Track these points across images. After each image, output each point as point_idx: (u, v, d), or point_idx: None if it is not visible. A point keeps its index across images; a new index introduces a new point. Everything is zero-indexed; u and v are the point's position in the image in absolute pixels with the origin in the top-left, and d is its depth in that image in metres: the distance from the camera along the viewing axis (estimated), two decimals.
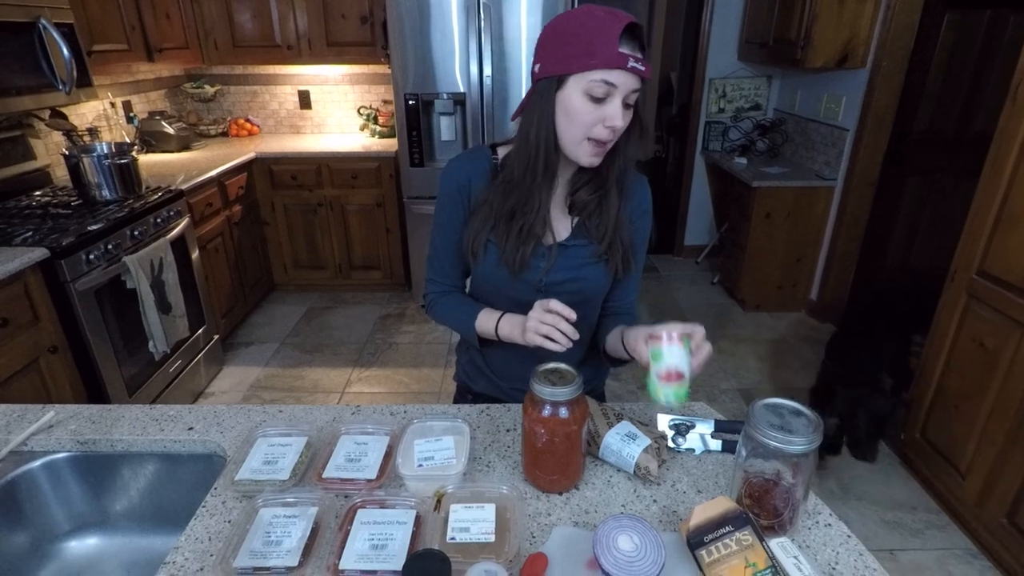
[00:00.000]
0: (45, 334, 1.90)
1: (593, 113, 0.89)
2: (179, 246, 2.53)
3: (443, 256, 1.11)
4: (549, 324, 0.91)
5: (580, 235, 1.04)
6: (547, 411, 0.83)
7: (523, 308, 1.10)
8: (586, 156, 0.94)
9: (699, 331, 0.86)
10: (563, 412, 0.83)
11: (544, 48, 0.92)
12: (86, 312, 2.01)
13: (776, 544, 0.75)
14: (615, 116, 0.89)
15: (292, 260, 3.63)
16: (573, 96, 0.90)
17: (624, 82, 0.87)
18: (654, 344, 0.85)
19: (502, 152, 1.06)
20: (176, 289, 2.45)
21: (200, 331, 2.73)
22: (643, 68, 0.87)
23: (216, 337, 2.90)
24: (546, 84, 0.92)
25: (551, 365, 0.86)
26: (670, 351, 0.84)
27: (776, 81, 3.83)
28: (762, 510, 0.81)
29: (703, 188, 4.18)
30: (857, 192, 3.12)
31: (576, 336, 0.91)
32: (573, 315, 0.91)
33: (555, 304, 0.92)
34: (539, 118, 0.94)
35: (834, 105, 3.21)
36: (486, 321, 1.04)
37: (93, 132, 2.88)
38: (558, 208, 1.06)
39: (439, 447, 0.90)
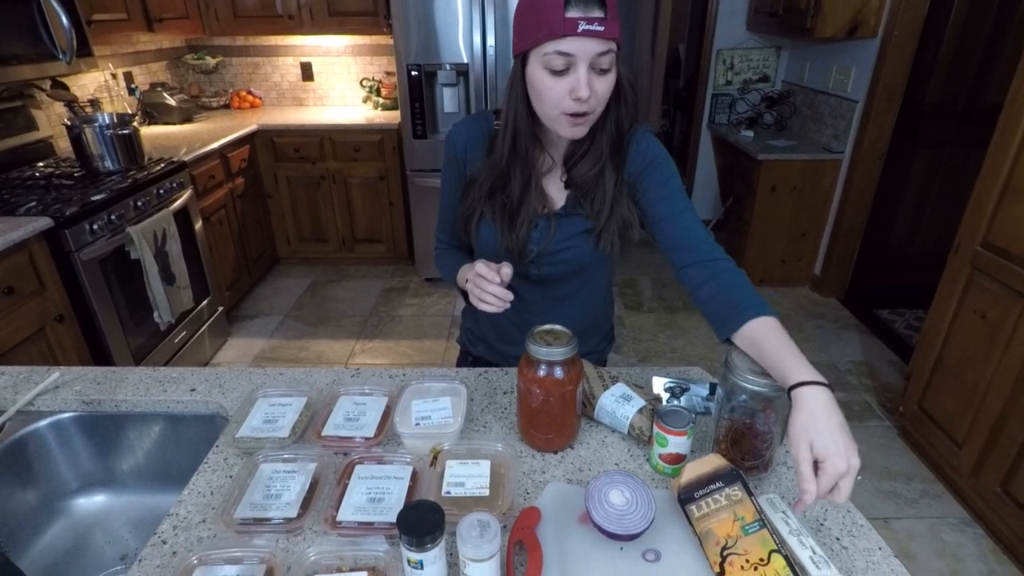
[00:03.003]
0: (51, 303, 1.92)
1: (557, 87, 0.85)
2: (182, 217, 2.53)
3: (447, 216, 1.13)
4: (479, 287, 0.92)
5: (575, 207, 1.02)
6: (542, 371, 0.84)
7: (515, 276, 1.10)
8: (566, 129, 0.91)
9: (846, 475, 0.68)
10: (558, 372, 0.84)
11: (515, 24, 0.90)
12: (91, 282, 2.03)
13: (765, 500, 0.76)
14: (579, 87, 0.83)
15: (296, 233, 3.64)
16: (535, 72, 0.87)
17: (582, 48, 0.82)
18: (661, 431, 0.83)
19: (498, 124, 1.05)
20: (180, 260, 2.46)
21: (204, 303, 2.75)
22: (600, 28, 0.80)
23: (221, 309, 2.92)
24: (516, 63, 0.91)
25: (547, 327, 0.87)
26: (677, 441, 0.83)
27: (785, 52, 3.76)
28: (741, 453, 0.83)
29: (709, 162, 4.14)
30: (865, 165, 3.08)
31: (508, 298, 0.91)
32: (496, 278, 0.91)
33: (480, 266, 0.92)
34: (512, 98, 0.93)
35: (843, 76, 3.16)
36: (460, 275, 1.07)
37: (95, 103, 2.87)
38: (553, 179, 1.04)
39: (436, 407, 0.92)
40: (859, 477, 0.68)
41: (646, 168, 1.01)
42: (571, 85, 0.85)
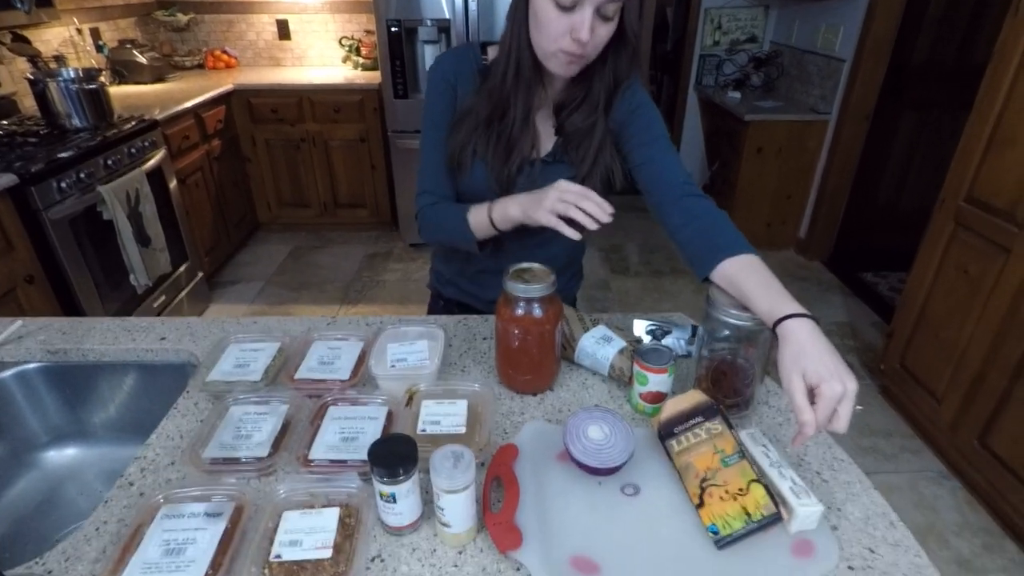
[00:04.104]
0: (19, 263, 1.86)
1: (560, 22, 0.82)
2: (156, 178, 2.46)
3: (435, 160, 1.03)
4: (570, 202, 0.82)
5: (561, 154, 1.01)
6: (520, 310, 0.82)
7: None
8: (559, 67, 0.88)
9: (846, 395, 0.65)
10: (536, 311, 0.82)
11: None
12: (62, 242, 1.96)
13: (746, 434, 0.75)
14: (581, 27, 0.81)
15: (276, 198, 3.56)
16: (540, 2, 0.84)
17: None
18: (641, 369, 0.81)
19: (492, 53, 1.01)
20: (155, 222, 2.40)
21: (183, 268, 2.69)
22: None
23: (201, 275, 2.86)
24: None
25: (524, 264, 0.85)
26: (657, 379, 0.82)
27: (773, 11, 3.70)
28: (723, 392, 0.82)
29: (695, 125, 4.10)
30: (851, 126, 3.06)
31: (610, 211, 0.82)
32: (601, 202, 0.82)
33: (564, 183, 0.85)
34: (514, 24, 0.90)
35: (831, 35, 3.11)
36: (478, 212, 0.96)
37: (60, 60, 2.75)
38: (544, 123, 1.02)
39: (413, 349, 0.89)
40: (858, 407, 0.66)
41: (631, 115, 0.99)
42: (574, 24, 0.82)
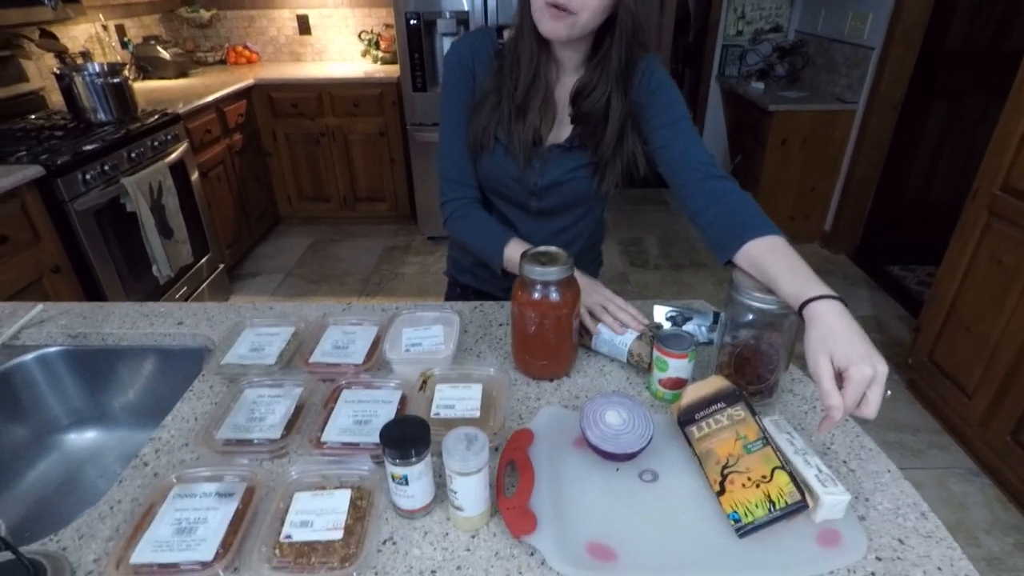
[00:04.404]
0: (47, 254, 1.89)
1: None
2: (179, 171, 2.49)
3: (456, 146, 1.02)
4: (612, 312, 0.91)
5: (579, 142, 0.99)
6: (537, 294, 0.80)
7: (517, 209, 1.06)
8: (547, 23, 0.85)
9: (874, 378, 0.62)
10: (553, 295, 0.80)
11: None
12: (87, 233, 2.00)
13: (769, 421, 0.73)
14: None
15: (296, 192, 3.59)
16: None
17: None
18: (661, 354, 0.80)
19: (508, 36, 0.99)
20: (177, 214, 2.43)
21: (204, 259, 2.72)
22: None
23: (222, 266, 2.89)
24: None
25: (542, 248, 0.83)
26: (678, 365, 0.80)
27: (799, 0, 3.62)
28: (746, 379, 0.79)
29: (718, 118, 4.03)
30: (879, 116, 2.98)
31: (643, 322, 0.90)
32: (636, 314, 0.91)
33: (607, 292, 0.93)
34: None
35: (859, 23, 3.03)
36: (515, 250, 0.96)
37: (86, 55, 2.80)
38: (561, 111, 1.00)
39: (428, 334, 0.88)
40: (888, 393, 0.63)
41: (650, 96, 0.96)
42: None
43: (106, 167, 2.07)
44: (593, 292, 0.93)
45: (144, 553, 0.58)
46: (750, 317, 0.77)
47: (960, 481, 1.90)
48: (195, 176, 2.65)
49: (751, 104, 3.35)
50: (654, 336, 0.85)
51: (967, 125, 3.03)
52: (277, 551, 0.59)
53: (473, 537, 0.64)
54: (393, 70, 3.34)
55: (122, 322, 1.03)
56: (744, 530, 0.62)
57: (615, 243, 3.52)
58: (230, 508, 0.63)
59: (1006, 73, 1.82)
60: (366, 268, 3.24)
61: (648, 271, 3.24)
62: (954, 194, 3.00)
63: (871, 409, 0.62)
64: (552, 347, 0.84)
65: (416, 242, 3.52)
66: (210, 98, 2.82)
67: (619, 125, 0.95)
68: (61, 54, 2.56)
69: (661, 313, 0.97)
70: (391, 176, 3.52)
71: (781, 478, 0.63)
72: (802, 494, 0.62)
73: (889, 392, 0.63)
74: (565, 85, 0.98)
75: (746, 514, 0.62)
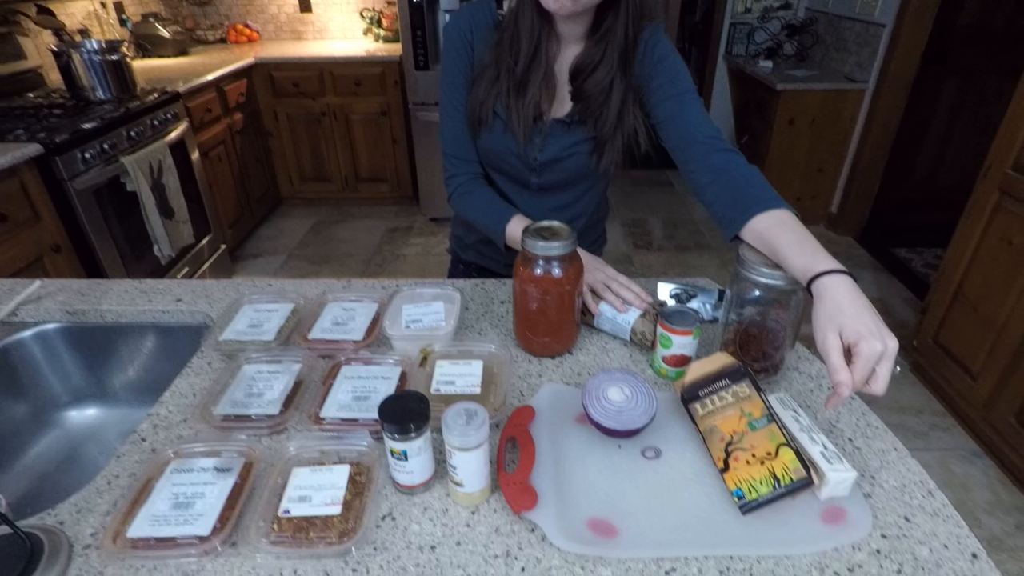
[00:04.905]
0: (47, 232, 1.88)
1: None
2: (179, 151, 2.47)
3: (456, 121, 1.00)
4: (616, 291, 0.89)
5: (579, 117, 0.97)
6: (539, 269, 0.79)
7: (516, 185, 1.05)
8: None
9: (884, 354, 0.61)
10: (556, 271, 0.78)
11: None
12: (87, 212, 1.98)
13: (775, 398, 0.71)
14: None
15: (298, 172, 3.56)
16: None
17: None
18: (665, 331, 0.78)
19: (507, 7, 0.97)
20: (178, 194, 2.41)
21: (206, 240, 2.71)
22: None
23: (224, 247, 2.88)
24: None
25: (545, 222, 0.81)
26: (682, 342, 0.78)
27: None
28: (751, 356, 0.78)
29: (724, 97, 3.97)
30: (889, 96, 2.92)
31: (646, 300, 0.88)
32: (640, 292, 0.89)
33: (611, 271, 0.91)
34: None
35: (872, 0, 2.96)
36: (518, 227, 0.95)
37: (84, 33, 2.77)
38: (561, 86, 0.97)
39: (428, 311, 0.87)
40: (898, 369, 0.61)
41: (654, 68, 0.93)
42: None
43: (105, 146, 2.05)
44: (595, 270, 0.91)
45: (141, 527, 0.58)
46: (756, 293, 0.76)
47: (962, 462, 1.90)
48: (195, 155, 2.63)
49: (758, 83, 3.30)
50: (658, 313, 0.84)
51: (978, 105, 2.97)
52: (275, 526, 0.58)
53: (473, 513, 0.63)
54: (395, 48, 3.30)
55: (120, 299, 1.02)
56: (748, 507, 0.61)
57: (619, 224, 3.49)
58: (228, 483, 0.62)
59: (1021, 51, 1.78)
60: (368, 249, 3.23)
61: (652, 252, 3.21)
62: (963, 176, 2.96)
63: (880, 385, 0.61)
64: (554, 324, 0.83)
65: (418, 223, 3.50)
66: (210, 77, 2.79)
67: (621, 101, 0.93)
68: (59, 31, 2.53)
69: (665, 291, 0.96)
70: (393, 156, 3.49)
71: (786, 455, 0.62)
72: (807, 471, 0.61)
73: (899, 368, 0.61)
74: (566, 58, 0.95)
75: (750, 491, 0.61)
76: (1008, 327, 1.79)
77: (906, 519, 0.62)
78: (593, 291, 0.91)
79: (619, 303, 0.87)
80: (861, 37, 3.06)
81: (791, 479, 0.61)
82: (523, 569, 0.57)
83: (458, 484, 0.62)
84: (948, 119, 3.03)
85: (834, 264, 0.67)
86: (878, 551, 0.59)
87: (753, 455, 0.63)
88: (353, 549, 0.57)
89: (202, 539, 0.57)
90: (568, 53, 0.95)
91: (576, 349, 0.88)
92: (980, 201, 1.91)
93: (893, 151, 3.08)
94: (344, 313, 0.90)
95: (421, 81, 3.07)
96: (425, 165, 3.32)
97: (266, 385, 0.76)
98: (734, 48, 3.75)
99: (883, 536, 0.60)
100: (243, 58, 3.14)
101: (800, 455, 0.62)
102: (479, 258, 1.18)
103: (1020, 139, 1.76)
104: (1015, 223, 1.77)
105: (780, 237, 0.73)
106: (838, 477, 0.61)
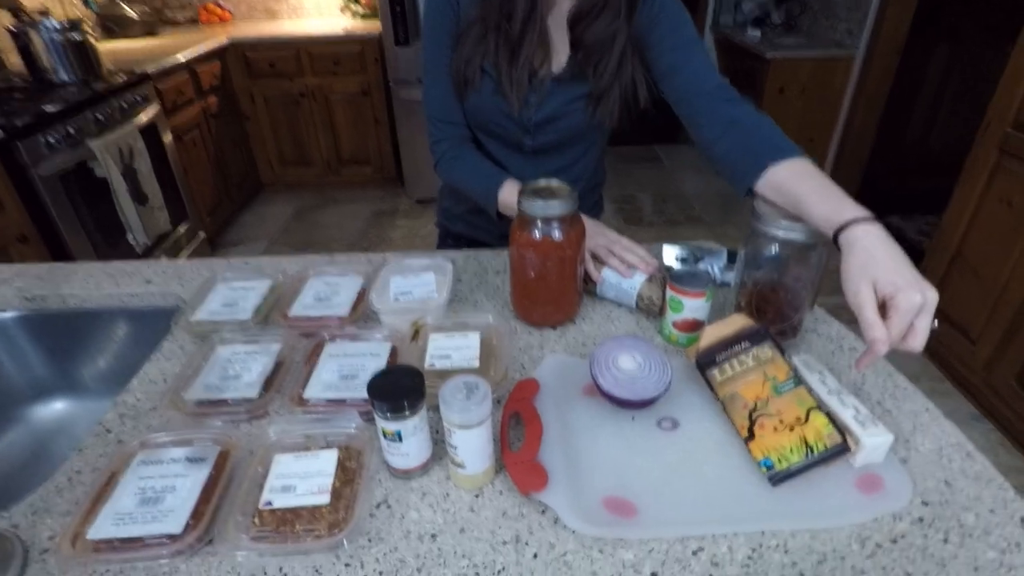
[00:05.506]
0: (11, 222, 1.78)
1: None
2: (150, 135, 2.36)
3: (442, 84, 0.93)
4: (619, 254, 0.83)
5: (576, 70, 0.90)
6: (538, 233, 0.72)
7: (508, 148, 0.98)
8: None
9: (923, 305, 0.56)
10: (556, 234, 0.72)
11: None
12: (54, 199, 1.88)
13: (800, 361, 0.66)
14: None
15: (278, 157, 3.45)
16: None
17: None
18: (676, 294, 0.73)
19: None
20: (151, 179, 2.31)
21: (184, 227, 2.61)
22: None
23: (203, 235, 2.78)
24: None
25: (542, 181, 0.75)
26: (694, 305, 0.72)
27: None
28: (767, 319, 0.72)
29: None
30: (880, 61, 2.87)
31: (652, 263, 0.82)
32: (645, 255, 0.83)
33: (613, 234, 0.85)
34: None
35: None
36: (511, 192, 0.89)
37: (45, 14, 2.62)
38: (558, 36, 0.90)
39: (418, 282, 0.81)
40: (936, 323, 0.56)
41: (656, 18, 0.86)
42: None
43: (71, 129, 1.94)
44: (597, 234, 0.85)
45: (104, 527, 0.51)
46: (774, 250, 0.70)
47: (962, 427, 1.86)
48: (168, 139, 2.52)
49: (747, 52, 3.23)
50: (665, 277, 0.78)
51: (968, 70, 2.93)
52: (256, 520, 0.52)
53: (477, 496, 0.57)
54: (374, 25, 3.18)
55: (84, 283, 0.95)
56: (778, 477, 0.55)
57: (608, 201, 3.42)
58: (202, 474, 0.56)
59: (1015, 12, 1.73)
60: (353, 234, 3.14)
61: (643, 228, 3.16)
62: (954, 141, 2.92)
63: (919, 340, 0.55)
64: (555, 291, 0.77)
65: (404, 206, 3.41)
66: (181, 58, 2.66)
67: (621, 52, 0.86)
68: (16, 11, 2.40)
69: (671, 254, 0.90)
70: (375, 137, 3.39)
71: (818, 420, 0.57)
72: (843, 436, 0.56)
73: (936, 322, 0.56)
74: (562, 8, 0.88)
75: (780, 460, 0.56)
76: (1009, 289, 1.75)
77: (946, 484, 0.57)
78: (595, 257, 0.84)
79: (623, 268, 0.81)
80: (850, 1, 2.99)
81: (825, 446, 0.55)
82: (535, 556, 0.51)
83: (459, 465, 0.56)
84: (938, 85, 2.99)
85: (862, 212, 0.62)
86: (921, 519, 0.54)
87: (781, 421, 0.58)
88: (345, 542, 0.51)
89: (173, 538, 0.51)
90: (564, 2, 0.87)
91: (578, 319, 0.82)
92: (979, 162, 1.86)
93: (884, 118, 3.04)
94: (327, 288, 0.83)
95: (402, 58, 2.96)
96: (408, 145, 3.22)
97: (243, 367, 0.69)
98: (721, 19, 3.67)
99: (924, 503, 0.55)
100: (215, 38, 3.02)
101: (833, 419, 0.57)
102: (469, 230, 1.11)
103: (1019, 97, 1.71)
104: (1015, 183, 1.73)
105: (800, 186, 0.67)
106: (874, 442, 0.56)
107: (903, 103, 3.01)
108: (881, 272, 0.56)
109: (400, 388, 0.55)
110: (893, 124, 3.07)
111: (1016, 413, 1.77)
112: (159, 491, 0.54)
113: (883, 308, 0.56)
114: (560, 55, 0.91)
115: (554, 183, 0.75)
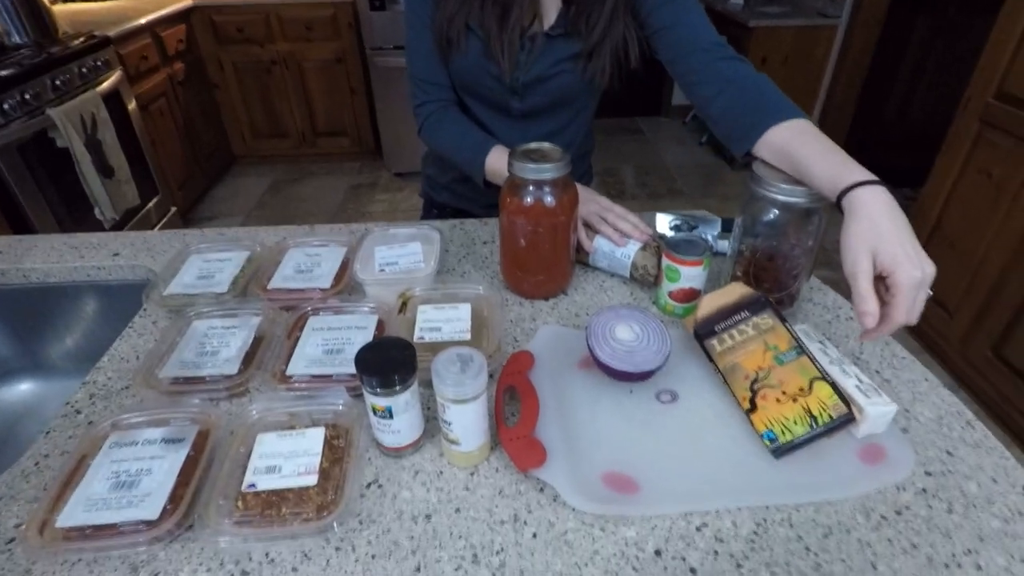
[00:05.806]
0: None
1: None
2: (114, 103, 2.25)
3: (426, 43, 0.88)
4: (612, 222, 0.80)
5: (566, 26, 0.85)
6: (529, 198, 0.69)
7: (495, 112, 0.94)
8: None
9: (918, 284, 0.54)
10: (548, 199, 0.69)
11: None
12: (12, 171, 1.79)
13: (800, 330, 0.65)
14: None
15: (250, 128, 3.33)
16: None
17: None
18: (672, 262, 0.70)
19: None
20: (117, 151, 2.20)
21: (153, 202, 2.51)
22: None
23: (174, 209, 2.69)
24: None
25: (533, 144, 0.71)
26: (691, 273, 0.70)
27: None
28: (765, 283, 0.71)
29: None
30: (863, 31, 2.86)
31: (646, 231, 0.80)
32: (638, 222, 0.81)
33: (606, 201, 0.83)
34: None
35: None
36: (499, 159, 0.85)
37: None
38: None
39: (404, 252, 0.77)
40: (931, 293, 0.55)
41: None
42: None
43: (27, 95, 1.84)
44: (589, 201, 0.82)
45: (74, 514, 0.48)
46: (773, 215, 0.68)
47: None
48: (133, 107, 2.40)
49: (730, 20, 3.19)
50: (660, 245, 0.76)
51: (949, 41, 2.93)
52: (239, 503, 0.49)
53: (472, 474, 0.55)
54: None
55: (47, 256, 0.89)
56: (781, 450, 0.54)
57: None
58: (179, 456, 0.53)
59: None
60: (331, 208, 3.06)
61: (625, 201, 3.12)
62: (934, 114, 2.93)
63: (915, 314, 0.55)
64: (547, 260, 0.74)
65: (383, 179, 3.33)
66: (143, 20, 2.53)
67: (614, 4, 0.82)
68: None
69: (664, 222, 0.88)
70: (352, 107, 3.29)
71: (822, 390, 0.55)
72: (847, 406, 0.55)
73: (931, 292, 0.55)
74: None
75: (783, 432, 0.54)
76: (986, 261, 1.78)
77: (948, 453, 0.57)
78: (587, 225, 0.82)
79: (617, 236, 0.79)
80: None
81: (830, 416, 0.54)
82: (535, 535, 0.50)
83: (453, 442, 0.54)
84: (918, 58, 2.98)
85: (867, 175, 0.60)
86: (924, 490, 0.53)
87: (783, 392, 0.56)
88: (335, 524, 0.49)
89: (150, 524, 0.48)
90: None
91: (571, 289, 0.79)
92: (959, 134, 1.87)
93: (864, 90, 3.03)
94: (308, 259, 0.79)
95: (377, 23, 2.85)
96: (387, 116, 3.13)
97: (221, 342, 0.66)
98: None
99: (927, 473, 0.55)
100: (179, 0, 2.87)
101: (838, 389, 0.56)
102: (454, 199, 1.07)
103: (1002, 66, 1.71)
104: (996, 155, 1.74)
105: (802, 148, 0.65)
106: (878, 411, 0.55)
107: (884, 74, 3.01)
108: (882, 243, 0.54)
109: (390, 361, 0.52)
110: (874, 97, 3.07)
111: (991, 384, 1.81)
112: (134, 474, 0.51)
113: (879, 278, 0.55)
114: (551, 9, 0.86)
115: (546, 146, 0.71)
